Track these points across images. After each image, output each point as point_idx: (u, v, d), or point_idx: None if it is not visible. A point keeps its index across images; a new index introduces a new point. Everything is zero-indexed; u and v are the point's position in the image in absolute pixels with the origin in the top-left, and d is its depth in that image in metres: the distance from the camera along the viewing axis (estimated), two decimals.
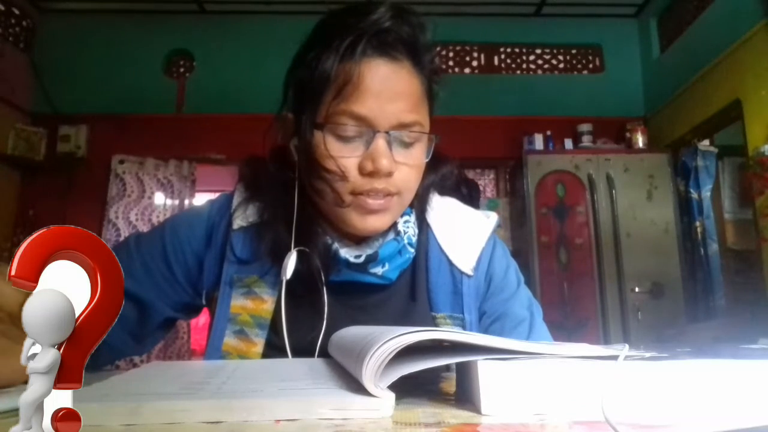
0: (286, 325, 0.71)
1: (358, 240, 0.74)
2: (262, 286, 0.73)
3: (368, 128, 0.66)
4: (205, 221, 0.78)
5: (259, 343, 0.71)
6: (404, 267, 0.75)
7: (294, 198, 0.73)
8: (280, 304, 0.72)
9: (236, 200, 0.77)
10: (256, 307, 0.72)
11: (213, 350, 0.72)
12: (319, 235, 0.72)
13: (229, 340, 0.72)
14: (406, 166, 0.69)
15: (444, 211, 0.81)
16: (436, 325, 0.73)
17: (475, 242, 0.79)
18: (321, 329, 0.71)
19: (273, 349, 0.71)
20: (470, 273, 0.76)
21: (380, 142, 0.66)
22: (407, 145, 0.69)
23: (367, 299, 0.75)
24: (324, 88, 0.67)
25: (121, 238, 3.66)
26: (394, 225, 0.75)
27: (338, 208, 0.69)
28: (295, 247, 0.71)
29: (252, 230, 0.75)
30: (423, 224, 0.79)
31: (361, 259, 0.71)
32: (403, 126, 0.67)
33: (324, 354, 0.69)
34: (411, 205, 0.77)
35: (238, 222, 0.75)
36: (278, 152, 0.76)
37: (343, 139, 0.67)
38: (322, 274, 0.72)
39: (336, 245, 0.71)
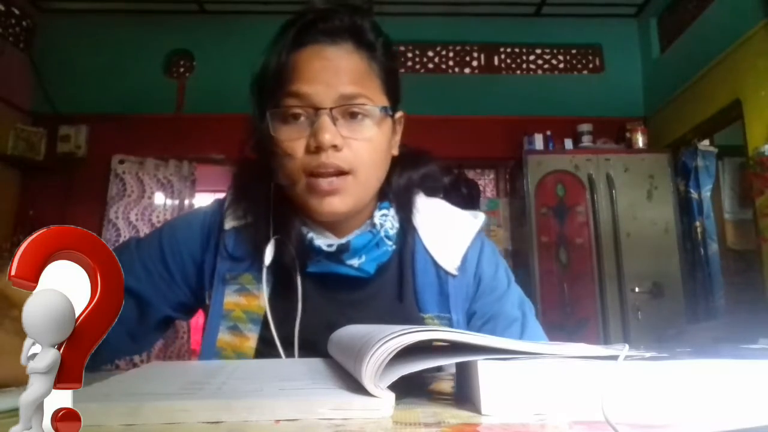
0: (277, 318, 0.73)
1: (335, 231, 0.76)
2: (254, 282, 0.75)
3: (312, 108, 0.69)
4: (200, 223, 0.81)
5: (252, 338, 0.73)
6: (382, 260, 0.75)
7: (275, 192, 0.76)
8: (273, 298, 0.74)
9: (227, 202, 0.81)
10: (248, 303, 0.74)
11: (208, 346, 0.74)
12: (295, 225, 0.74)
13: (223, 336, 0.74)
14: (355, 140, 0.70)
15: (429, 212, 0.82)
16: (424, 325, 0.73)
17: (460, 242, 0.79)
18: (296, 318, 0.73)
19: (266, 343, 0.73)
20: (455, 273, 0.77)
21: (323, 118, 0.68)
22: (354, 119, 0.70)
23: (352, 295, 0.76)
24: (271, 79, 0.71)
25: (121, 238, 3.67)
26: (371, 218, 0.77)
27: (296, 190, 0.71)
28: (275, 238, 0.74)
29: (241, 230, 0.77)
30: (409, 227, 0.80)
31: (333, 248, 0.72)
32: (345, 98, 0.69)
33: (305, 345, 0.71)
34: (389, 200, 0.79)
35: (229, 222, 0.78)
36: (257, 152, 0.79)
37: (290, 121, 0.70)
38: (297, 263, 0.74)
39: (311, 234, 0.73)
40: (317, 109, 0.69)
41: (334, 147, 0.68)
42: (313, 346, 0.71)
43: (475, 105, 4.03)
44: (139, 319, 0.76)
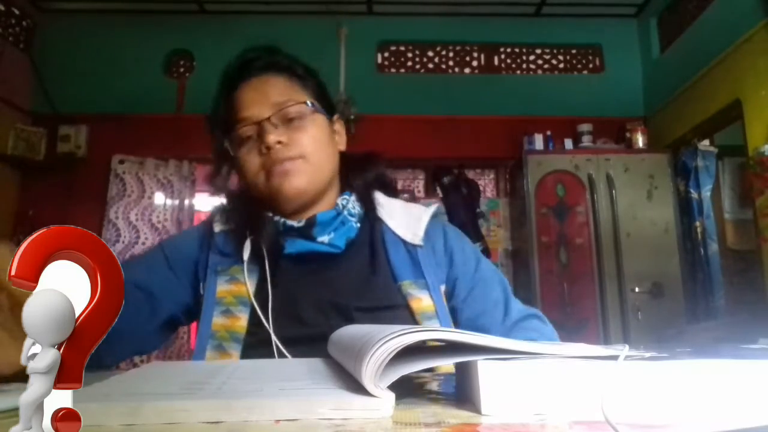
0: (263, 299, 0.83)
1: (301, 216, 0.88)
2: (241, 272, 0.86)
3: (256, 123, 0.86)
4: (196, 231, 0.95)
5: (242, 317, 0.82)
6: (350, 236, 0.88)
7: (250, 202, 0.91)
8: (261, 283, 0.84)
9: (214, 211, 0.94)
10: (238, 289, 0.85)
11: (203, 331, 0.82)
12: (268, 219, 0.87)
13: (217, 320, 0.83)
14: (297, 134, 0.86)
15: (391, 206, 0.96)
16: (401, 292, 0.85)
17: (420, 220, 0.93)
18: (268, 300, 0.83)
19: (255, 323, 0.82)
20: (420, 243, 0.90)
21: (265, 126, 0.85)
22: (293, 119, 0.87)
23: (328, 271, 0.87)
24: (221, 116, 0.90)
25: (121, 238, 3.67)
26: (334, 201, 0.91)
27: (260, 186, 0.86)
28: (250, 237, 0.87)
29: (228, 232, 0.91)
30: (376, 218, 0.93)
31: (302, 223, 0.85)
32: (279, 105, 0.86)
33: (290, 317, 0.82)
34: (351, 191, 0.93)
35: (218, 226, 0.91)
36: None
37: (244, 142, 0.87)
38: (266, 254, 0.86)
39: (282, 219, 0.86)
40: (259, 123, 0.85)
41: (280, 143, 0.84)
42: (297, 317, 0.82)
43: (475, 105, 4.03)
44: (150, 317, 0.84)
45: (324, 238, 0.85)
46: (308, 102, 0.88)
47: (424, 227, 0.92)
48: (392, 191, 1.00)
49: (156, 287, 0.85)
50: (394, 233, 0.91)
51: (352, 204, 0.91)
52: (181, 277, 0.88)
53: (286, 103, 0.86)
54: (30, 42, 3.95)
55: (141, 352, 0.92)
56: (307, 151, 0.85)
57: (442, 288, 0.89)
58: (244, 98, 0.88)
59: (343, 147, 0.95)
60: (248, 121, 0.86)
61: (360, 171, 0.96)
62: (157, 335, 0.88)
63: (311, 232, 0.85)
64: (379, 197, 0.96)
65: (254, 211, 0.89)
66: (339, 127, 0.96)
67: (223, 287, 0.85)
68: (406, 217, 0.93)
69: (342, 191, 0.93)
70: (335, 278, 0.86)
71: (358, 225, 0.90)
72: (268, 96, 0.87)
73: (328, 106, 0.94)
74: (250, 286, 0.84)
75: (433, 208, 0.96)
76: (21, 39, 3.90)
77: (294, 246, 0.86)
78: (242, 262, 0.86)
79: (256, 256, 0.86)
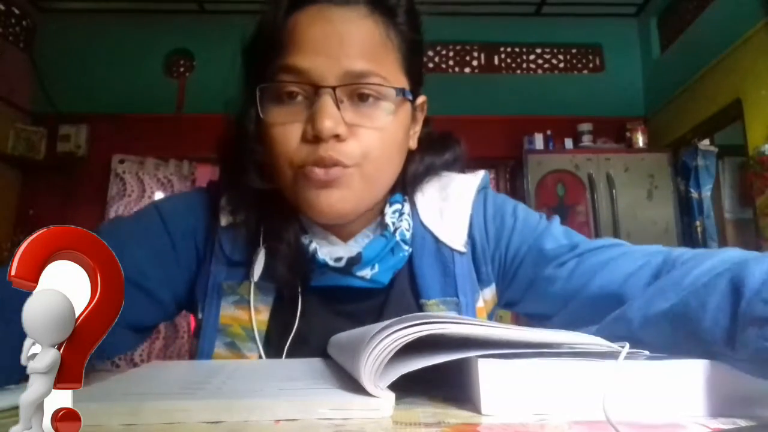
0: (277, 335, 0.64)
1: (339, 233, 0.64)
2: (256, 293, 0.64)
3: (311, 86, 0.56)
4: (201, 216, 0.69)
5: (253, 358, 0.63)
6: (398, 267, 0.64)
7: (266, 196, 0.64)
8: (273, 310, 0.64)
9: (223, 197, 0.69)
10: (248, 319, 0.63)
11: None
12: (291, 232, 0.63)
13: (219, 351, 0.63)
14: (364, 128, 0.57)
15: (432, 185, 0.70)
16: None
17: (461, 210, 0.67)
18: (290, 335, 0.63)
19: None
20: (462, 249, 0.65)
21: (323, 99, 0.55)
22: (364, 102, 0.57)
23: (362, 306, 0.66)
24: (262, 48, 0.59)
25: None
26: (381, 215, 0.65)
27: (286, 183, 0.59)
28: (264, 246, 0.63)
29: (237, 228, 0.66)
30: (411, 206, 0.68)
31: (342, 263, 0.61)
32: (353, 76, 0.56)
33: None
34: (404, 192, 0.67)
35: (224, 218, 0.66)
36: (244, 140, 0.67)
37: (284, 101, 0.57)
38: (298, 279, 0.64)
39: (314, 245, 0.61)
40: (317, 88, 0.55)
41: (337, 137, 0.55)
42: None
43: (475, 105, 4.03)
44: (142, 317, 0.65)
45: (365, 273, 0.62)
46: (400, 89, 0.58)
47: (467, 226, 0.66)
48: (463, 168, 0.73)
49: (154, 282, 0.63)
50: (424, 225, 0.66)
51: (406, 222, 0.64)
52: (182, 263, 0.66)
53: (368, 76, 0.56)
54: (30, 42, 3.94)
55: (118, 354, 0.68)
56: (369, 156, 0.57)
57: (483, 300, 0.67)
58: (306, 33, 0.56)
59: (414, 144, 0.66)
60: (302, 76, 0.56)
61: (429, 156, 0.69)
62: (140, 336, 0.67)
63: (350, 268, 0.62)
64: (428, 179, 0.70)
65: (273, 212, 0.63)
66: (421, 113, 0.67)
67: (228, 311, 0.63)
68: (445, 205, 0.67)
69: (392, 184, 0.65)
70: (369, 316, 0.64)
71: (410, 251, 0.65)
72: (345, 47, 0.56)
73: (417, 77, 0.63)
74: (256, 315, 0.63)
75: (476, 183, 0.69)
76: (21, 39, 3.89)
77: (323, 280, 0.63)
78: (251, 279, 0.63)
79: (270, 273, 0.63)
